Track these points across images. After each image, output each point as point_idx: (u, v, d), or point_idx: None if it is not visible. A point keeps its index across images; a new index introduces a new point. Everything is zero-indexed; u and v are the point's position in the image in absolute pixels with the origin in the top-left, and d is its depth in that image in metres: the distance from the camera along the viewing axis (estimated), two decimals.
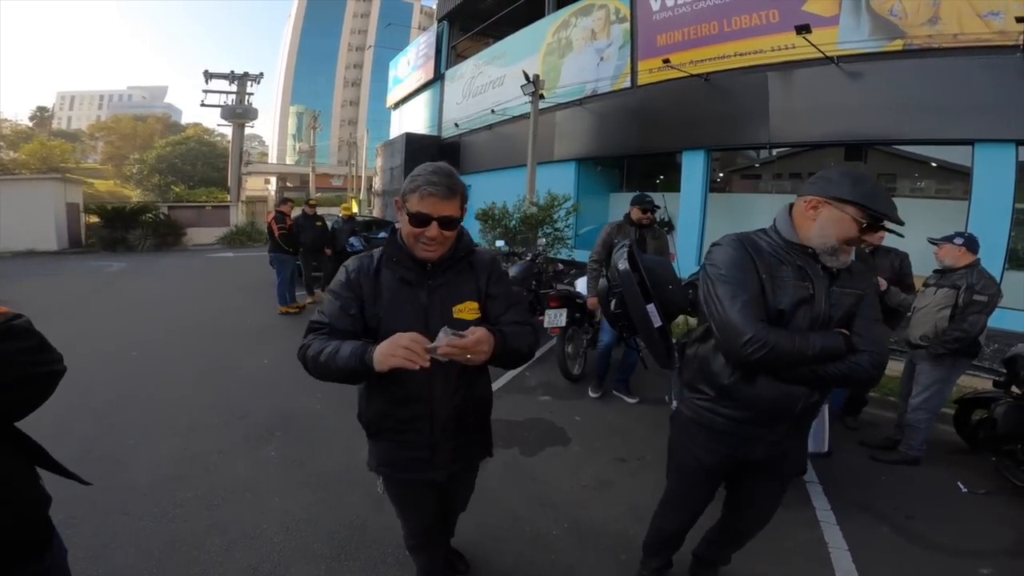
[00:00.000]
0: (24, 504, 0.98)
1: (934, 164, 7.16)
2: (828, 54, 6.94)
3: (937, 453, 3.45)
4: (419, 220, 1.39)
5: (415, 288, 1.46)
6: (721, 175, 9.58)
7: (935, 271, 3.33)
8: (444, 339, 1.25)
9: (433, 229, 1.39)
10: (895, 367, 3.96)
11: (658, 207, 4.13)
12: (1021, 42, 5.53)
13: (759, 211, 8.48)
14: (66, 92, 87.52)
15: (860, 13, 6.87)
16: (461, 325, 1.37)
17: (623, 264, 2.56)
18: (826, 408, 2.53)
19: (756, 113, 7.84)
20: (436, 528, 1.78)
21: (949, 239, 3.23)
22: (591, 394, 4.32)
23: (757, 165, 9.40)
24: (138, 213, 17.20)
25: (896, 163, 7.55)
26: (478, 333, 1.30)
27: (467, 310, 1.49)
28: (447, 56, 17.74)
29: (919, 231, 3.78)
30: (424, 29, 22.59)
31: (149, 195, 31.38)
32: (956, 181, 6.75)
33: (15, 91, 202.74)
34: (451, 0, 17.06)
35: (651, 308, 2.44)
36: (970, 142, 6.02)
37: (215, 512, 2.60)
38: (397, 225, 1.48)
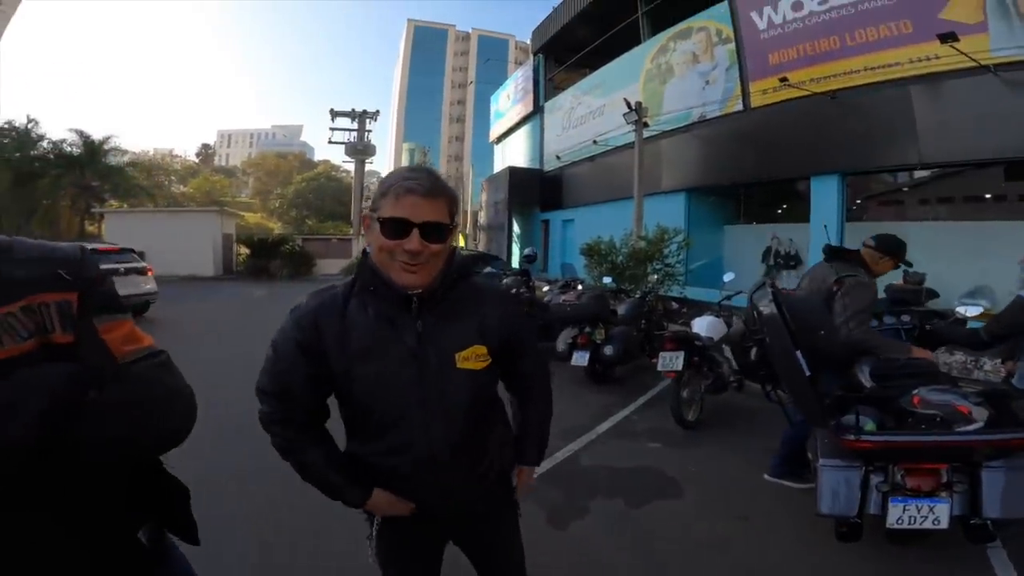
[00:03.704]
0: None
1: None
2: (983, 63, 6.14)
3: None
4: (395, 228, 1.05)
5: (399, 329, 1.12)
6: (859, 201, 8.69)
7: None
8: None
9: (414, 240, 1.05)
10: None
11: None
12: None
13: (909, 242, 7.50)
14: (224, 130, 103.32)
15: (1010, 18, 6.13)
16: (465, 377, 1.14)
17: (768, 307, 2.34)
18: None
19: (900, 130, 7.08)
20: None
21: None
22: (795, 485, 3.27)
23: (906, 190, 8.38)
24: (278, 244, 19.69)
25: None
26: (523, 479, 1.37)
27: (473, 357, 1.16)
28: (545, 88, 18.23)
29: None
30: (520, 63, 23.50)
31: (288, 228, 35.45)
32: None
33: (183, 127, 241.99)
34: (545, 33, 17.65)
35: (798, 356, 2.20)
36: None
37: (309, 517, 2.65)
38: (368, 248, 1.15)
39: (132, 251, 9.77)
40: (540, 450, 1.39)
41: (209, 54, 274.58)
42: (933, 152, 6.85)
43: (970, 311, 3.07)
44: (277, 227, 37.12)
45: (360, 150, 23.56)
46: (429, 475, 1.16)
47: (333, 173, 45.15)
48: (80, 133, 22.50)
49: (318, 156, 67.93)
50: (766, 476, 3.42)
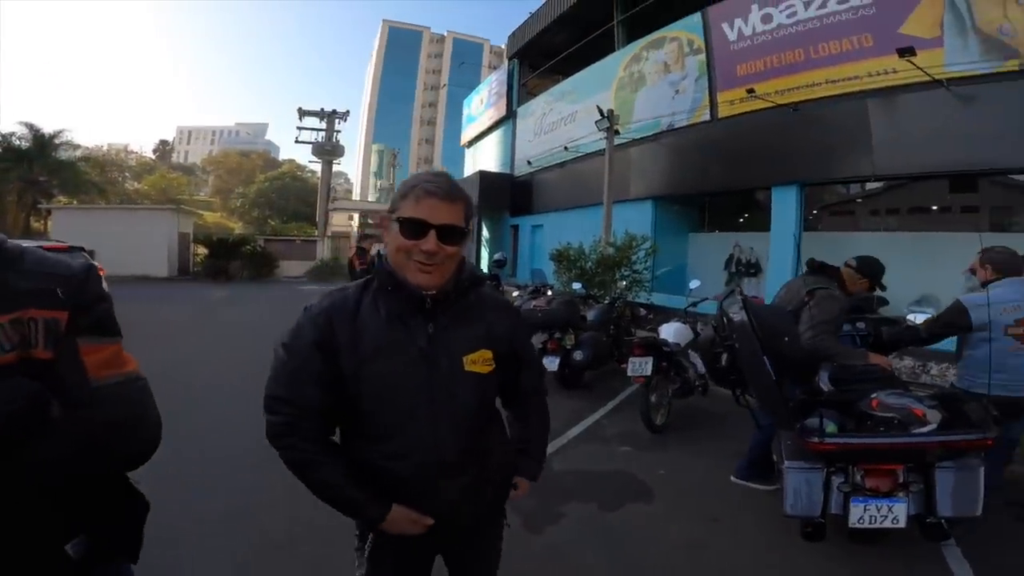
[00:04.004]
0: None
1: None
2: (936, 77, 6.45)
3: None
4: (413, 228, 1.11)
5: (411, 330, 1.16)
6: (815, 212, 9.00)
7: None
8: None
9: (431, 240, 1.10)
10: None
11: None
12: None
13: (861, 252, 7.84)
14: (184, 127, 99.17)
15: (966, 33, 6.41)
16: (473, 380, 1.18)
17: (738, 314, 2.39)
18: (982, 469, 2.26)
19: (857, 143, 7.34)
20: None
21: None
22: (762, 487, 3.31)
23: (859, 201, 8.74)
24: (239, 245, 18.98)
25: (1015, 194, 6.82)
26: (522, 492, 1.39)
27: (480, 361, 1.21)
28: (518, 93, 18.22)
29: None
30: (494, 68, 23.50)
31: (249, 228, 34.36)
32: None
33: (140, 122, 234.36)
34: (520, 38, 17.69)
35: (765, 361, 2.28)
36: None
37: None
38: (383, 250, 1.23)
39: (81, 249, 9.22)
40: (539, 464, 1.43)
41: (171, 49, 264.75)
42: (886, 164, 7.12)
43: (918, 318, 3.23)
44: (238, 227, 35.96)
45: (328, 150, 23.08)
46: (437, 477, 1.16)
47: (298, 173, 44.05)
48: (30, 126, 21.41)
49: (283, 155, 66.22)
50: (733, 478, 3.49)
